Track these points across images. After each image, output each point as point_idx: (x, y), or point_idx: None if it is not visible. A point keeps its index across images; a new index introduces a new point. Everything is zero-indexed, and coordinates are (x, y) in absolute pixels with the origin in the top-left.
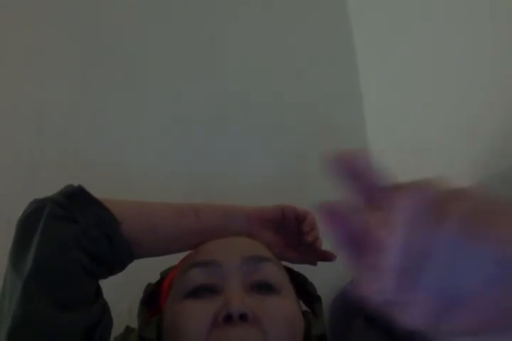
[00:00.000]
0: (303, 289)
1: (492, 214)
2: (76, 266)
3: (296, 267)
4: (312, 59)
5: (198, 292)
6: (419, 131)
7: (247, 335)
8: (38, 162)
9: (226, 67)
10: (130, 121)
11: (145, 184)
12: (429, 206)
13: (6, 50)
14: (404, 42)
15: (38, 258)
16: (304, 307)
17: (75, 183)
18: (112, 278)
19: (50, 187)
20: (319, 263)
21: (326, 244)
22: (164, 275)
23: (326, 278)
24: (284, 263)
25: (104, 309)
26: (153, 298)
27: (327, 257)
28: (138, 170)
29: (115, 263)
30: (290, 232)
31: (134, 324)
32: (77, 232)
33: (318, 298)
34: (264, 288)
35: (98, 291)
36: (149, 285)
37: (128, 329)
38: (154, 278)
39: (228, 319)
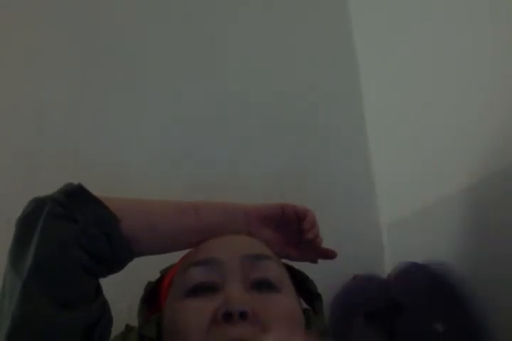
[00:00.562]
0: (303, 287)
1: None
2: (76, 265)
3: (297, 265)
4: (312, 59)
5: (198, 290)
6: (419, 131)
7: (246, 333)
8: (38, 162)
9: (226, 67)
10: (130, 121)
11: (145, 184)
12: None
13: (6, 50)
14: (404, 42)
15: (38, 257)
16: (305, 305)
17: (75, 182)
18: (112, 277)
19: (50, 186)
20: (320, 260)
21: (324, 240)
22: (164, 273)
23: (326, 276)
24: (285, 260)
25: (104, 307)
26: (153, 297)
27: (327, 255)
28: (138, 170)
29: (115, 262)
30: (290, 230)
31: (134, 322)
32: (76, 231)
33: (318, 296)
34: (264, 285)
35: (98, 289)
36: (149, 283)
37: (128, 328)
38: (154, 276)
39: (228, 317)
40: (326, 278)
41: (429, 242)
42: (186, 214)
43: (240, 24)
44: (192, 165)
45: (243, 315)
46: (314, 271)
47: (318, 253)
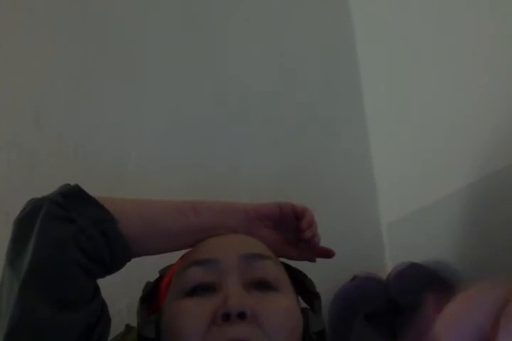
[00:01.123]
0: (302, 286)
1: None
2: (73, 265)
3: (295, 264)
4: (312, 59)
5: (197, 290)
6: (419, 131)
7: (245, 334)
8: (37, 157)
9: (226, 67)
10: (130, 120)
11: (144, 182)
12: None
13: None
14: (405, 42)
15: (36, 258)
16: (303, 304)
17: (74, 179)
18: (110, 277)
19: (48, 183)
20: (318, 259)
21: (324, 240)
22: (163, 273)
23: (325, 275)
24: (283, 259)
25: (102, 308)
26: (152, 297)
27: (326, 254)
28: (138, 170)
29: (113, 262)
30: (288, 229)
31: (134, 322)
32: (74, 231)
33: (317, 295)
34: (262, 285)
35: (96, 290)
36: (148, 283)
37: (128, 328)
38: (153, 276)
39: (226, 317)
40: (326, 277)
41: (429, 241)
42: (185, 213)
43: (240, 24)
44: (192, 164)
45: (241, 316)
46: (313, 270)
47: (317, 252)
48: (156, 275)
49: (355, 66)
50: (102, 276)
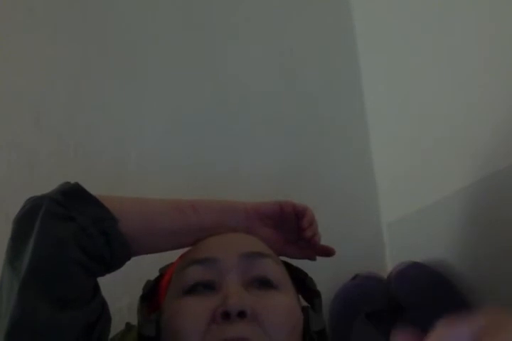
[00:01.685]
0: (302, 284)
1: None
2: (74, 264)
3: (296, 263)
4: (312, 59)
5: (196, 289)
6: (419, 131)
7: (245, 332)
8: (37, 156)
9: (226, 66)
10: (130, 119)
11: (144, 182)
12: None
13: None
14: (405, 42)
15: (35, 256)
16: (304, 303)
17: (74, 179)
18: (111, 275)
19: (48, 183)
20: (318, 258)
21: (325, 240)
22: (163, 272)
23: (325, 274)
24: (283, 258)
25: (103, 306)
26: (152, 295)
27: (326, 252)
28: (137, 169)
29: (113, 261)
30: (289, 228)
31: (134, 321)
32: (74, 230)
33: (317, 294)
34: (263, 284)
35: (96, 289)
36: (148, 282)
37: (128, 327)
38: (153, 274)
39: (226, 316)
40: (326, 276)
41: (429, 241)
42: (184, 212)
43: (240, 24)
44: (192, 164)
45: (241, 314)
46: (314, 269)
47: (317, 250)
48: (156, 274)
49: (356, 66)
50: (102, 275)
